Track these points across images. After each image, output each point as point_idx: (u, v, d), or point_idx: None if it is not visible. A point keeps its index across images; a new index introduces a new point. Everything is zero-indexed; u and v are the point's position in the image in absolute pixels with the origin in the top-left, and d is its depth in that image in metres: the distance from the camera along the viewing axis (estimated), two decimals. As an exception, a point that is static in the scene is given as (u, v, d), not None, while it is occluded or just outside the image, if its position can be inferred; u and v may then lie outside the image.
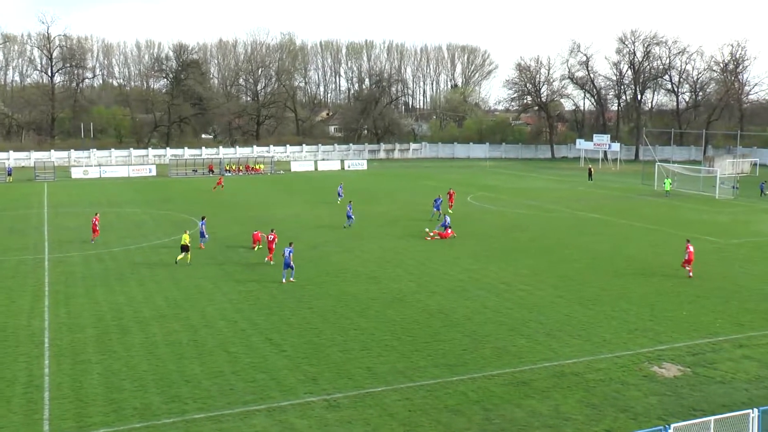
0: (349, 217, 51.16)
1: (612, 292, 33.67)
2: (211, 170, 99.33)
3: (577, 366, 23.91)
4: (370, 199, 69.37)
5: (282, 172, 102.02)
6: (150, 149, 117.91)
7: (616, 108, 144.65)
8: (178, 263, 38.82)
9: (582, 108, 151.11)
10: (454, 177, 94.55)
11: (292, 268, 35.19)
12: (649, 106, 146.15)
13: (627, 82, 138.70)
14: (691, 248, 37.65)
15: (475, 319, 29.12)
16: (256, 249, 43.32)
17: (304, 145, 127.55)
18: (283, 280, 35.00)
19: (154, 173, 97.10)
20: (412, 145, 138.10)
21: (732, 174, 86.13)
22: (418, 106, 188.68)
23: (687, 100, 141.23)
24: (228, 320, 28.89)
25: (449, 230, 47.79)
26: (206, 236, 43.71)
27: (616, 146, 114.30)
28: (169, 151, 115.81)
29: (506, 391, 21.95)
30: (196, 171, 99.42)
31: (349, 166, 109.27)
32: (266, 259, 39.34)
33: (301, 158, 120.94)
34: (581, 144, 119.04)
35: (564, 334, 27.19)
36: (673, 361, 24.44)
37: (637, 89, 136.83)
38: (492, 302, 31.66)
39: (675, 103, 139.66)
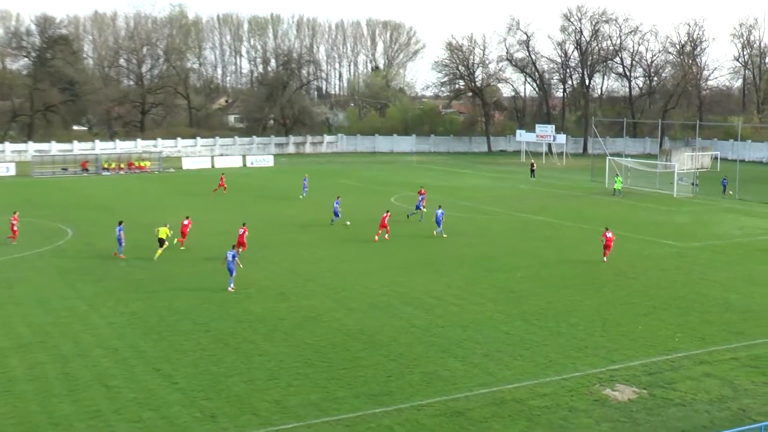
0: (336, 214, 54.82)
1: (558, 304, 34.37)
2: (84, 168, 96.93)
3: (519, 391, 24.28)
4: (277, 200, 68.96)
5: (172, 170, 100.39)
6: (7, 143, 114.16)
7: (562, 94, 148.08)
8: (157, 260, 42.78)
9: (522, 94, 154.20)
10: (375, 174, 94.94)
11: (232, 274, 36.51)
12: (599, 92, 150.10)
13: (573, 64, 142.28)
14: (609, 234, 42.92)
15: (401, 339, 29.27)
16: (180, 247, 45.26)
17: (198, 138, 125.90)
18: (232, 287, 36.39)
19: (12, 172, 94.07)
20: (327, 138, 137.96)
21: (691, 169, 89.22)
22: (333, 92, 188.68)
23: (640, 85, 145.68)
24: (107, 348, 28.21)
25: (388, 214, 50.08)
26: (123, 244, 44.03)
27: (561, 138, 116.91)
28: (32, 146, 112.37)
29: (438, 423, 22.10)
30: (66, 169, 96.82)
31: (251, 163, 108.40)
32: (240, 250, 42.02)
33: (195, 153, 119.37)
34: (522, 135, 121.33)
35: (504, 355, 27.59)
36: (627, 382, 25.09)
37: (585, 73, 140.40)
38: (420, 320, 31.88)
39: (627, 89, 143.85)
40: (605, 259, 43.72)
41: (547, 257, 44.78)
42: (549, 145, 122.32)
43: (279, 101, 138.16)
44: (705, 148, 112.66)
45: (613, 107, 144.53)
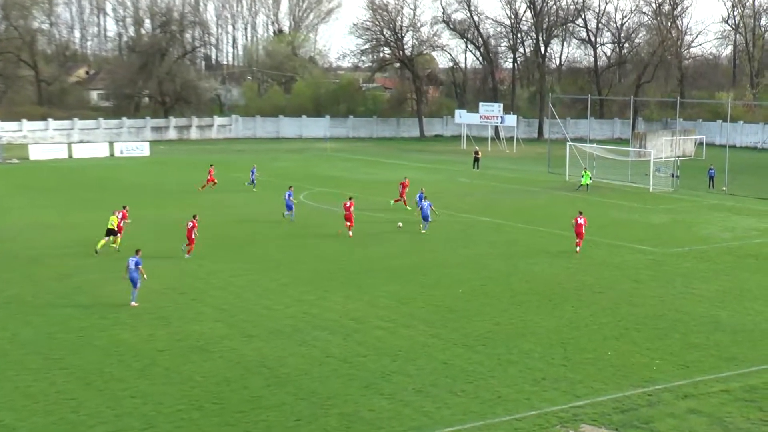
0: (289, 207, 58.47)
1: (509, 327, 34.67)
2: None
3: (461, 435, 24.42)
4: (153, 200, 68.16)
5: (16, 161, 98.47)
6: None
7: (512, 65, 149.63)
8: (98, 252, 46.74)
9: (463, 65, 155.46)
10: (280, 165, 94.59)
11: (136, 285, 37.44)
12: (557, 62, 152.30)
13: (526, 28, 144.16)
14: (581, 220, 47.70)
15: (314, 373, 29.18)
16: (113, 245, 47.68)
17: (50, 119, 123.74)
18: (133, 302, 37.24)
19: None
20: (218, 120, 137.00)
21: (671, 157, 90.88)
22: (225, 62, 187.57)
23: (608, 54, 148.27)
24: (-70, 391, 27.51)
25: (352, 203, 54.17)
26: None
27: (511, 119, 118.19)
28: None
29: (361, 477, 22.12)
30: None
31: (121, 152, 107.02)
32: (186, 254, 46.87)
33: (47, 139, 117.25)
34: (462, 117, 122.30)
35: (442, 390, 27.72)
36: (594, 422, 25.42)
37: (540, 38, 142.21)
38: (338, 348, 31.83)
39: (592, 59, 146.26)
40: (578, 249, 48.48)
41: (495, 268, 45.20)
42: (496, 129, 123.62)
43: (156, 73, 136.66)
44: (687, 131, 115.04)
45: (575, 81, 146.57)
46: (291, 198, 58.90)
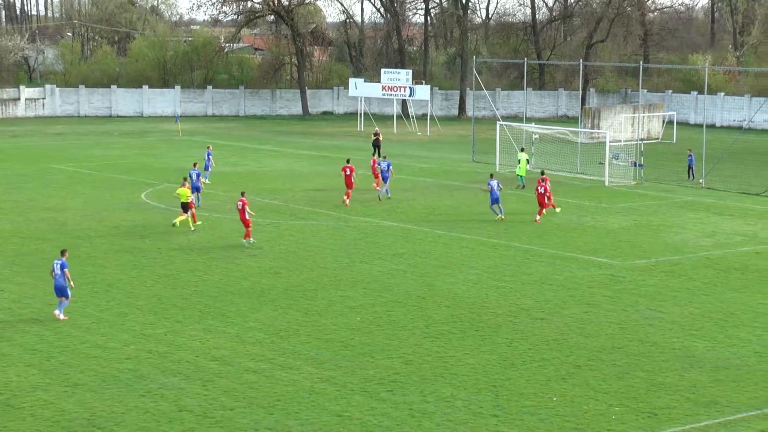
0: (196, 189, 62.84)
1: (423, 366, 34.72)
2: None
3: None
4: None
5: None
6: None
7: (424, 20, 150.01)
8: (177, 225, 56.64)
9: (359, 20, 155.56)
10: (113, 154, 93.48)
11: (66, 294, 39.53)
12: (485, 15, 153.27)
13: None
14: (541, 189, 54.73)
15: (162, 433, 28.96)
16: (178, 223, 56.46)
17: None
18: (61, 316, 39.54)
19: None
20: (25, 91, 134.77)
21: (632, 140, 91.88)
22: (35, 13, 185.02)
23: (550, 4, 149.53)
24: None
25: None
26: None
27: (424, 91, 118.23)
28: None
29: None
30: None
31: None
32: (246, 238, 53.65)
33: None
34: (359, 88, 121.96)
35: (335, 453, 27.74)
36: (536, 489, 25.72)
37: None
38: (195, 398, 31.57)
39: (529, 11, 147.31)
40: (538, 218, 60.08)
41: (404, 289, 45.25)
42: (404, 104, 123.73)
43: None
44: (653, 105, 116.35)
45: (508, 41, 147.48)
46: (199, 179, 64.48)
